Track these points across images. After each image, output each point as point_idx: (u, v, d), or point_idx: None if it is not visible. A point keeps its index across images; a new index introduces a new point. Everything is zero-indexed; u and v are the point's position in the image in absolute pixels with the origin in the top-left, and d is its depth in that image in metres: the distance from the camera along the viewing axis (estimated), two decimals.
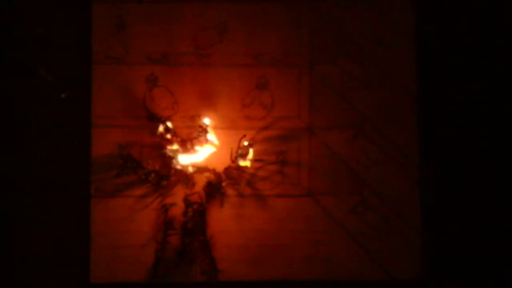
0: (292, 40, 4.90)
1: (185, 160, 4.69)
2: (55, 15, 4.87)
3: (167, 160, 4.73)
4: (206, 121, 4.71)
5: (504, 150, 4.87)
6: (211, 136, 4.68)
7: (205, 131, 4.67)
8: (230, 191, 4.79)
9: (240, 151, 4.71)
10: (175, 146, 4.67)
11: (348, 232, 4.82)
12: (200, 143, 4.67)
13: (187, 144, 4.71)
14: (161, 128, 4.68)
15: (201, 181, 4.78)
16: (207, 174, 4.75)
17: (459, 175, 4.84)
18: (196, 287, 4.75)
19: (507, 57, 4.93)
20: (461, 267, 4.79)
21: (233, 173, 4.79)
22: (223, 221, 4.79)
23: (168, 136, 4.69)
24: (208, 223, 4.75)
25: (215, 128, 4.77)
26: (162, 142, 4.72)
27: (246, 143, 4.71)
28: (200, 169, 4.75)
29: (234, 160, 4.74)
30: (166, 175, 4.74)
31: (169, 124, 4.69)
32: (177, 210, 4.77)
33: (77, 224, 4.75)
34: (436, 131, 4.88)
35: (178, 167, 4.71)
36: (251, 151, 4.70)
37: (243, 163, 4.72)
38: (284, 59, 4.89)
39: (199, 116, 4.81)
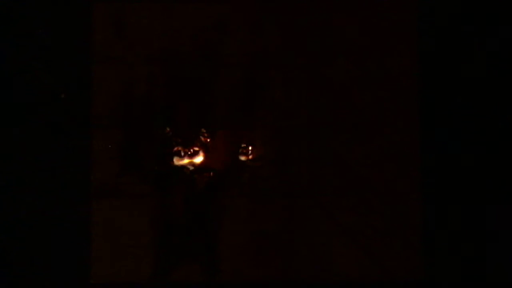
0: (292, 40, 4.90)
1: (185, 159, 4.69)
2: (55, 15, 4.86)
3: (167, 160, 4.72)
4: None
5: (505, 149, 4.87)
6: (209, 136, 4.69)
7: (205, 131, 4.67)
8: (230, 191, 4.79)
9: (240, 151, 4.71)
10: (175, 146, 4.67)
11: (348, 232, 4.81)
12: (200, 143, 4.67)
13: (187, 144, 4.71)
14: (161, 129, 4.68)
15: (201, 181, 4.78)
16: (207, 174, 4.75)
17: (459, 175, 4.84)
18: (196, 287, 4.75)
19: (508, 57, 4.92)
20: (462, 267, 4.78)
21: (233, 173, 4.78)
22: (223, 221, 4.78)
23: (168, 136, 4.69)
24: (208, 223, 4.75)
25: (215, 128, 4.76)
26: (162, 142, 4.72)
27: (246, 143, 4.71)
28: (200, 169, 4.75)
29: (234, 160, 4.74)
30: (166, 175, 4.74)
31: (169, 124, 4.68)
32: (177, 210, 4.76)
33: (77, 224, 4.75)
34: (436, 131, 4.88)
35: (178, 167, 4.71)
36: (251, 151, 4.69)
37: (243, 162, 4.73)
38: (284, 59, 4.88)
39: (199, 116, 4.81)
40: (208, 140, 4.73)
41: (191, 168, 4.73)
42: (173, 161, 4.71)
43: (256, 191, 4.81)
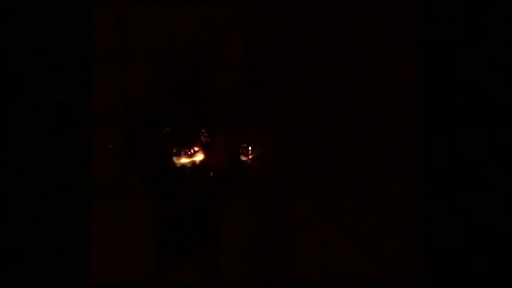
0: (292, 40, 4.90)
1: (185, 159, 4.69)
2: (55, 15, 4.87)
3: (167, 160, 4.72)
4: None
5: (506, 149, 4.87)
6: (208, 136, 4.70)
7: (205, 131, 4.68)
8: (230, 191, 4.79)
9: (240, 151, 4.71)
10: (175, 147, 4.67)
11: (348, 232, 4.81)
12: (200, 143, 4.67)
13: (187, 144, 4.71)
14: (161, 129, 4.68)
15: (201, 181, 4.77)
16: (207, 174, 4.75)
17: (460, 175, 4.84)
18: (196, 287, 4.75)
19: (508, 57, 4.92)
20: (462, 268, 4.78)
21: (233, 173, 4.78)
22: (223, 221, 4.78)
23: (168, 136, 4.69)
24: (208, 223, 4.75)
25: (215, 128, 4.77)
26: (162, 142, 4.72)
27: (246, 143, 4.71)
28: (200, 169, 4.75)
29: (234, 160, 4.74)
30: (166, 175, 4.74)
31: (169, 124, 4.69)
32: (177, 210, 4.76)
33: (77, 224, 4.75)
34: (436, 130, 4.88)
35: (178, 167, 4.71)
36: (251, 151, 4.69)
37: (243, 162, 4.73)
38: (284, 59, 4.88)
39: (199, 116, 4.81)
40: (208, 140, 4.73)
41: (191, 168, 4.73)
42: (173, 161, 4.71)
43: (256, 191, 4.81)
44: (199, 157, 4.71)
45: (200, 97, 4.84)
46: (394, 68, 4.90)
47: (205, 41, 4.87)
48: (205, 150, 4.72)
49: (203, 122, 4.74)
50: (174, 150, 4.68)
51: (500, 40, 4.93)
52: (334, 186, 4.83)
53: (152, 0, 4.89)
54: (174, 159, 4.70)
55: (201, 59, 4.87)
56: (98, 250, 4.74)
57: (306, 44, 4.90)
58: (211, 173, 4.75)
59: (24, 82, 4.82)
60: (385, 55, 4.90)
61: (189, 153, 4.71)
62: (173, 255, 4.74)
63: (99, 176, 4.77)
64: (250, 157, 4.73)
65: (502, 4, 4.95)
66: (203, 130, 4.71)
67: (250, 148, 4.71)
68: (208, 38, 4.87)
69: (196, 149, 4.69)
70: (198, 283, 4.75)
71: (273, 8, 4.90)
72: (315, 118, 4.87)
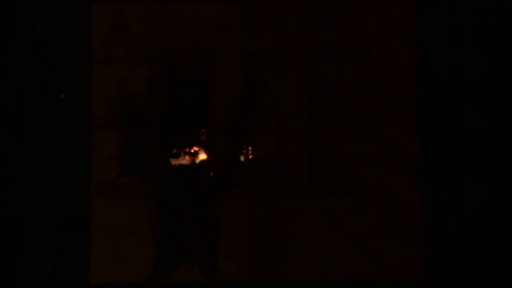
0: (292, 40, 4.90)
1: (185, 159, 4.70)
2: (55, 15, 4.87)
3: (167, 160, 4.73)
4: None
5: (505, 149, 4.87)
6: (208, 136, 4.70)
7: (205, 131, 4.68)
8: (230, 191, 4.79)
9: (240, 151, 4.72)
10: (175, 147, 4.67)
11: (348, 232, 4.82)
12: (200, 143, 4.68)
13: (187, 144, 4.72)
14: (161, 128, 4.69)
15: (201, 181, 4.78)
16: (207, 174, 4.75)
17: (459, 175, 4.84)
18: (196, 287, 4.76)
19: (508, 57, 4.93)
20: (461, 267, 4.78)
21: (233, 173, 4.79)
22: (223, 221, 4.79)
23: (168, 136, 4.69)
24: (208, 223, 4.75)
25: (215, 128, 4.77)
26: (162, 142, 4.72)
27: (246, 143, 4.71)
28: (200, 169, 4.75)
29: (234, 160, 4.75)
30: (166, 175, 4.74)
31: (169, 124, 4.69)
32: (177, 210, 4.77)
33: (77, 224, 4.76)
34: (436, 130, 4.88)
35: (178, 167, 4.71)
36: (251, 151, 4.70)
37: (243, 162, 4.74)
38: (284, 59, 4.89)
39: (199, 116, 4.82)
40: (208, 140, 4.73)
41: (191, 168, 4.73)
42: (173, 161, 4.71)
43: (256, 191, 4.81)
44: (199, 157, 4.71)
45: (200, 97, 4.84)
46: (393, 68, 4.90)
47: (205, 41, 4.87)
48: (205, 150, 4.72)
49: (203, 122, 4.74)
50: (174, 150, 4.68)
51: (499, 39, 4.93)
52: (334, 186, 4.83)
53: (152, 0, 4.89)
54: (174, 159, 4.70)
55: (201, 59, 4.87)
56: (98, 250, 4.74)
57: (306, 44, 4.90)
58: (211, 173, 4.75)
59: (24, 82, 4.82)
60: (385, 55, 4.91)
61: (189, 153, 4.72)
62: (173, 255, 4.74)
63: (99, 176, 4.78)
64: (250, 157, 4.73)
65: (501, 4, 4.95)
66: (203, 130, 4.71)
67: (250, 148, 4.71)
68: (207, 38, 4.87)
69: (196, 149, 4.70)
70: (198, 283, 4.75)
71: (272, 9, 4.90)
72: (315, 118, 4.87)
